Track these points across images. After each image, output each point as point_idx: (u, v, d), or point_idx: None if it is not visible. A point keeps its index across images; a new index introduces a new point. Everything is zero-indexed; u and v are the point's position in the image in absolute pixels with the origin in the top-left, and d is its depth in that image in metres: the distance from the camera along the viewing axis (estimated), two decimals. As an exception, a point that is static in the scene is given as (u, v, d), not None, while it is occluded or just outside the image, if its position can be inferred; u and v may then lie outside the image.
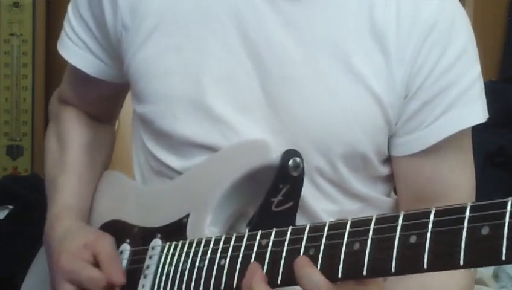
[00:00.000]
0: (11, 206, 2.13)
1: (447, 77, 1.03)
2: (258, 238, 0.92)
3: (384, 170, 1.09)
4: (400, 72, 1.02)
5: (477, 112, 1.05)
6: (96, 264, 1.03)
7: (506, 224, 0.70)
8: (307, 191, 1.03)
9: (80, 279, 1.02)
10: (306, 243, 0.86)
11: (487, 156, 2.14)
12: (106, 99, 1.26)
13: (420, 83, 1.03)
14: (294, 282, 0.85)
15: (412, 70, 1.02)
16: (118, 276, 1.02)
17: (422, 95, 1.03)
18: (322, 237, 0.85)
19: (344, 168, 1.05)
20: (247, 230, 0.95)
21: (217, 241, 0.96)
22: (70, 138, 1.23)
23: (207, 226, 1.01)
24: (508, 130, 2.21)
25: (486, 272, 1.84)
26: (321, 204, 1.06)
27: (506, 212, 0.70)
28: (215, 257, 0.95)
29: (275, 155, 0.97)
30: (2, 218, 2.09)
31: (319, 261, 0.84)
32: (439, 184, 1.07)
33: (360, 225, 0.82)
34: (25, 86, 2.47)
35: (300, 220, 0.95)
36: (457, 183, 1.08)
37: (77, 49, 1.17)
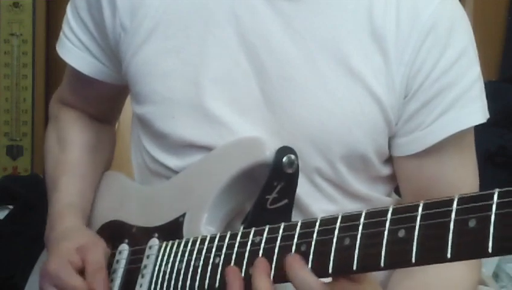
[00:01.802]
0: (11, 206, 2.14)
1: (446, 77, 1.03)
2: (251, 235, 0.92)
3: (385, 171, 1.09)
4: (399, 72, 1.02)
5: (476, 113, 1.05)
6: (84, 269, 1.03)
7: (493, 216, 0.70)
8: (306, 192, 1.04)
9: (64, 287, 1.02)
10: (298, 239, 0.86)
11: (487, 156, 2.14)
12: (106, 101, 1.26)
13: (419, 83, 1.03)
14: (287, 279, 0.85)
15: (411, 70, 1.02)
16: (100, 288, 1.01)
17: (422, 96, 1.03)
18: (313, 233, 0.85)
19: (344, 168, 1.05)
20: (241, 228, 0.95)
21: (212, 240, 0.96)
22: (72, 138, 1.23)
23: (203, 225, 1.01)
24: (508, 130, 2.21)
25: (486, 272, 1.84)
26: (320, 204, 1.06)
27: (493, 204, 0.70)
28: (210, 256, 0.95)
29: (268, 152, 0.97)
30: (2, 218, 2.09)
31: (310, 258, 0.84)
32: (441, 184, 1.06)
33: (350, 220, 0.82)
34: (25, 86, 2.47)
35: None
36: (460, 182, 1.07)
37: (76, 51, 1.17)
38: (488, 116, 1.06)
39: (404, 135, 1.05)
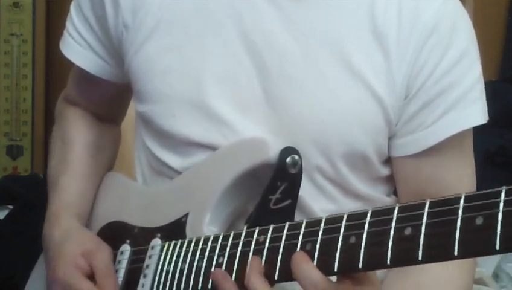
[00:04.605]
0: (11, 206, 2.14)
1: (447, 78, 1.03)
2: (255, 235, 0.92)
3: (385, 171, 1.09)
4: (400, 72, 1.02)
5: (477, 114, 1.05)
6: (92, 274, 1.04)
7: (500, 214, 0.70)
8: (307, 191, 1.03)
9: None
10: (303, 238, 0.86)
11: (487, 156, 2.15)
12: (110, 99, 1.26)
13: (420, 83, 1.03)
14: (291, 278, 0.85)
15: (412, 71, 1.02)
16: None
17: (423, 96, 1.03)
18: (319, 231, 0.85)
19: (344, 167, 1.05)
20: (245, 228, 0.95)
21: (215, 240, 0.96)
22: (74, 137, 1.23)
23: (206, 225, 1.01)
24: (508, 130, 2.22)
25: (486, 272, 1.84)
26: (320, 203, 1.06)
27: (500, 201, 0.70)
28: (213, 255, 0.95)
29: (272, 153, 0.97)
30: (2, 218, 2.09)
31: (316, 256, 0.84)
32: (439, 185, 1.06)
33: (356, 219, 0.82)
34: (25, 86, 2.48)
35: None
36: (458, 184, 1.07)
37: (80, 48, 1.17)
38: (487, 117, 1.06)
39: (404, 135, 1.05)
